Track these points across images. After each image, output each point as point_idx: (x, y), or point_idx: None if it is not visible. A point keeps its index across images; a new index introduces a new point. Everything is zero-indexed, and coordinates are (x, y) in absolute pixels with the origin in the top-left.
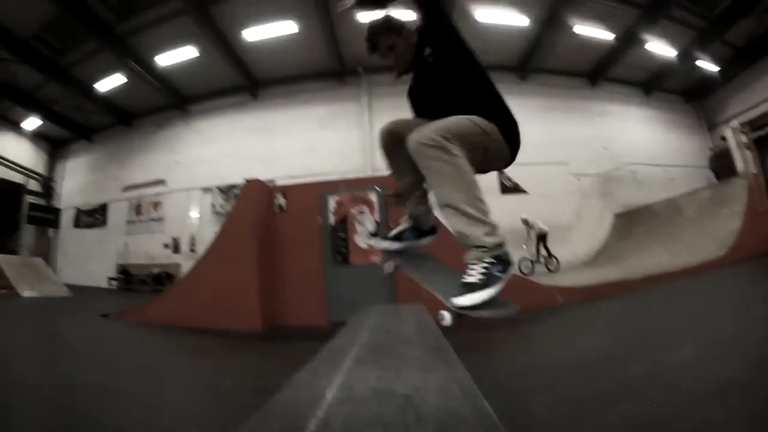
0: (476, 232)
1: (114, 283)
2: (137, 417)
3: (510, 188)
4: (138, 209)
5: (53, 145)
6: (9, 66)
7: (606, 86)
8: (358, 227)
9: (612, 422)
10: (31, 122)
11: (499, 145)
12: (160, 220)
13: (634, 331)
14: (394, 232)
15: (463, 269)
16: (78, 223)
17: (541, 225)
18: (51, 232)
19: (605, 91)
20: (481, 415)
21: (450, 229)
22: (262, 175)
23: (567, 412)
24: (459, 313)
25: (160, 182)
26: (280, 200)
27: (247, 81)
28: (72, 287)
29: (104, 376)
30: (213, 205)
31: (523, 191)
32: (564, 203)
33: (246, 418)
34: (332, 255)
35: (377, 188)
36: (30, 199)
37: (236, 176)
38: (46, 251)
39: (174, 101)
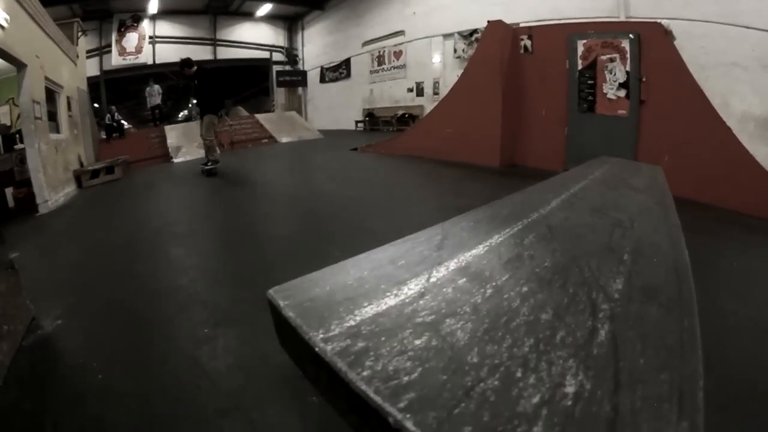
0: (214, 155)
1: (360, 125)
2: (379, 219)
3: None
4: (380, 59)
5: (289, 21)
6: None
7: None
8: (608, 75)
9: None
10: (264, 8)
11: (215, 120)
12: (402, 67)
13: None
14: (214, 158)
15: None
16: (323, 79)
17: None
18: (299, 90)
19: None
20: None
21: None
22: (505, 19)
23: None
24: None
25: (400, 33)
26: (526, 42)
27: None
28: (323, 131)
29: (355, 190)
30: (455, 50)
31: None
32: None
33: None
34: (578, 102)
35: (631, 35)
36: (277, 68)
37: (477, 21)
38: (297, 106)
39: None
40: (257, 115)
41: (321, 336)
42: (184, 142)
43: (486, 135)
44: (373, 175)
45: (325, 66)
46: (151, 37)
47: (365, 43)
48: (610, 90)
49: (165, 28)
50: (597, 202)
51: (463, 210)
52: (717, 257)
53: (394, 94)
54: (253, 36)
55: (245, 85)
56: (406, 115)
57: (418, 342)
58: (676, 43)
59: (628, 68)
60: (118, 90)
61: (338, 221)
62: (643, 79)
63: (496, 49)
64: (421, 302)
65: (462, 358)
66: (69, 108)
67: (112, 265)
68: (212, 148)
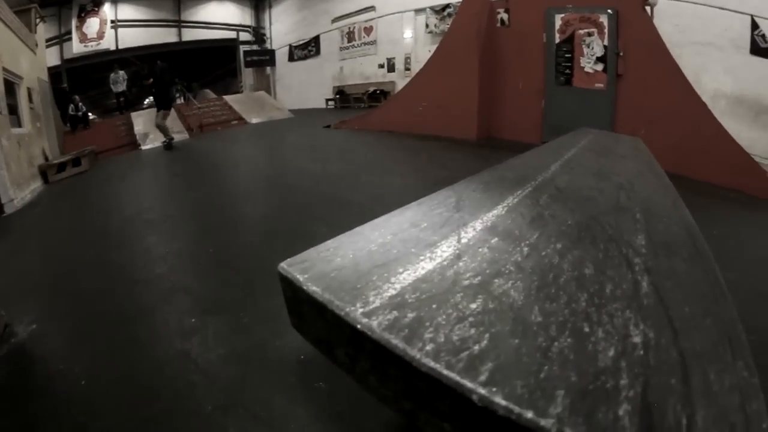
0: (169, 134)
1: (331, 103)
2: (362, 193)
3: (762, 50)
4: (350, 36)
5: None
6: None
7: None
8: (585, 49)
9: None
10: None
11: (167, 113)
12: (373, 43)
13: None
14: (170, 136)
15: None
16: (292, 57)
17: None
18: (268, 69)
19: None
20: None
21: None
22: None
23: None
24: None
25: (370, 9)
26: (503, 15)
27: None
28: (293, 111)
29: (334, 166)
30: (426, 25)
31: None
32: None
33: None
34: (555, 75)
35: (609, 10)
36: (244, 47)
37: None
38: (266, 87)
39: None
40: (226, 97)
41: (361, 310)
42: (151, 128)
43: (463, 108)
44: (351, 151)
45: (294, 44)
46: (113, 22)
47: (335, 20)
48: (588, 63)
49: (127, 11)
50: (594, 167)
51: (448, 181)
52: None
53: (364, 70)
54: (219, 16)
55: (212, 67)
56: (378, 92)
57: (474, 306)
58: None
59: (605, 42)
60: (80, 79)
61: (321, 197)
62: (621, 54)
63: (472, 22)
64: (460, 264)
65: (526, 318)
66: (30, 100)
67: (88, 261)
68: (165, 129)
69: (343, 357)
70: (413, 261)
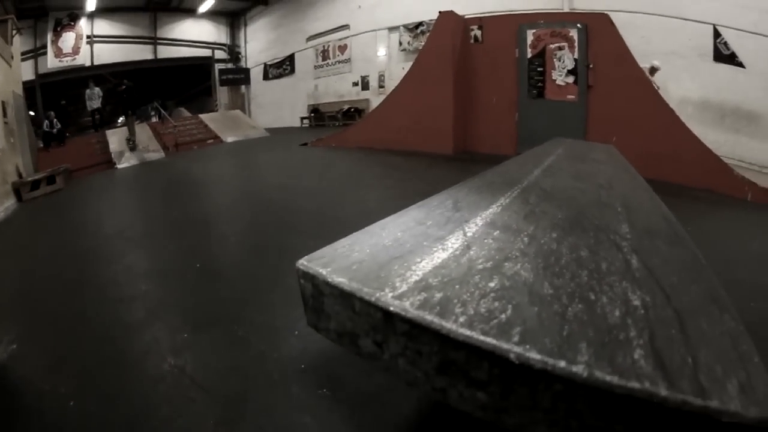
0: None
1: (305, 122)
2: (345, 207)
3: (725, 56)
4: (324, 54)
5: (231, 17)
6: None
7: None
8: (556, 63)
9: None
10: (206, 4)
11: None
12: (347, 61)
13: None
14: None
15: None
16: (267, 76)
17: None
18: (243, 88)
19: None
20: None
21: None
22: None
23: None
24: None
25: (344, 27)
26: (476, 32)
27: None
28: (268, 129)
29: (314, 182)
30: (400, 43)
31: (739, 64)
32: None
33: None
34: (528, 88)
35: (579, 25)
36: (219, 66)
37: (422, 13)
38: (241, 105)
39: None
40: (201, 116)
41: (391, 294)
42: (127, 146)
43: (439, 123)
44: (330, 168)
45: (269, 63)
46: (89, 37)
47: (309, 38)
48: (559, 76)
49: (103, 26)
50: (573, 171)
51: (429, 194)
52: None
53: (339, 88)
54: (195, 33)
55: (187, 85)
56: (352, 110)
57: (492, 284)
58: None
59: (576, 56)
60: (54, 95)
61: (305, 213)
62: (591, 66)
63: (447, 39)
64: (471, 252)
65: (540, 291)
66: (4, 114)
67: (66, 280)
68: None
69: (369, 346)
70: (428, 252)
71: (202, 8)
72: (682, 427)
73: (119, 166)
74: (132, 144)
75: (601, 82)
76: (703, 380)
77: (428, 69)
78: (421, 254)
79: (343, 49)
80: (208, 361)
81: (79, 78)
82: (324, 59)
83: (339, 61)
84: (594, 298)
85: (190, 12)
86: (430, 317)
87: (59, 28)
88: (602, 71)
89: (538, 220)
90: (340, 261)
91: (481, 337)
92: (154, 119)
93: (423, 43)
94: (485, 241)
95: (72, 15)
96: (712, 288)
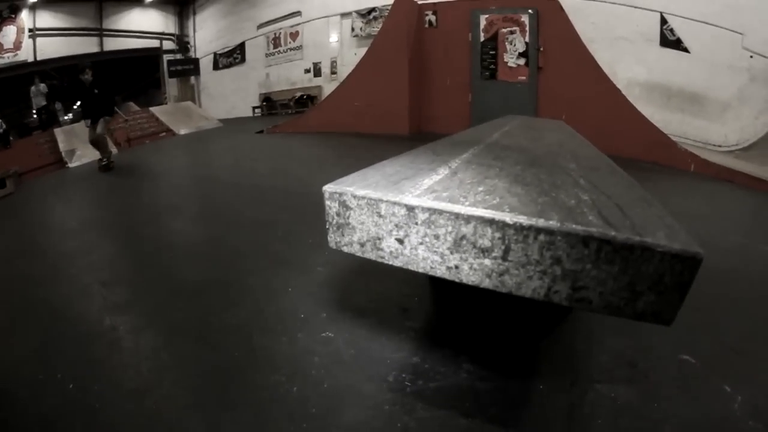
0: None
1: (258, 111)
2: (315, 184)
3: (671, 42)
4: (276, 42)
5: (179, 5)
6: None
7: None
8: (508, 46)
9: None
10: None
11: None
12: (299, 48)
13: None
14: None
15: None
16: (217, 66)
17: None
18: (192, 79)
19: None
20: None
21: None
22: None
23: None
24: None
25: (296, 14)
26: (431, 17)
27: None
28: (221, 120)
29: (281, 163)
30: (352, 29)
31: (684, 49)
32: (727, 78)
33: None
34: (480, 71)
35: (530, 10)
36: (168, 57)
37: (374, 0)
38: (191, 97)
39: None
40: (152, 109)
41: (410, 194)
42: (78, 143)
43: (395, 106)
44: (290, 151)
45: (219, 52)
46: (31, 30)
47: (260, 26)
48: (511, 59)
49: (47, 19)
50: (528, 135)
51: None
52: None
53: (291, 76)
54: (143, 24)
55: (134, 78)
56: (305, 97)
57: (481, 188)
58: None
59: (527, 39)
60: None
61: (278, 192)
62: (541, 49)
63: (402, 23)
64: (459, 175)
65: (516, 191)
66: None
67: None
68: (105, 143)
69: (392, 245)
70: (426, 176)
71: None
72: (629, 264)
73: (71, 165)
74: (107, 163)
75: (551, 64)
76: (639, 230)
77: (384, 53)
78: (422, 177)
79: (294, 36)
80: (207, 321)
81: (20, 76)
82: (275, 47)
83: (290, 49)
84: (555, 195)
85: (137, 1)
86: (444, 204)
87: None
88: (552, 54)
89: (506, 159)
90: (359, 183)
91: (484, 210)
92: None
93: (375, 29)
94: (467, 170)
95: (12, 7)
96: (643, 194)
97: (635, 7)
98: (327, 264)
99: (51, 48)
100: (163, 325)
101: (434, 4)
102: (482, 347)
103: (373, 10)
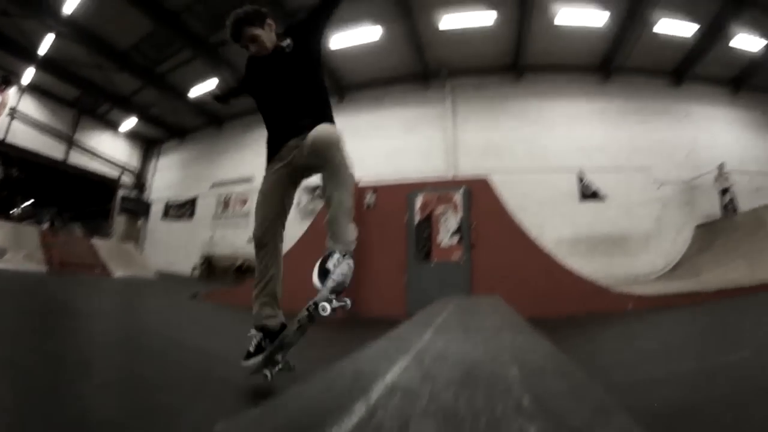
0: (350, 232)
1: (196, 271)
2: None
3: (589, 195)
4: (226, 204)
5: (147, 143)
6: (110, 74)
7: (691, 86)
8: (441, 227)
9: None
10: (129, 123)
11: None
12: (245, 215)
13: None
14: (251, 349)
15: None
16: (167, 214)
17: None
18: (140, 221)
19: (690, 91)
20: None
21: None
22: None
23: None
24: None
25: (248, 180)
26: (370, 199)
27: (333, 85)
28: (159, 272)
29: (201, 340)
30: (298, 204)
31: (602, 199)
32: (644, 211)
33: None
34: (415, 251)
35: (462, 189)
36: (123, 191)
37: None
38: (135, 238)
39: None
40: (94, 240)
41: None
42: (7, 242)
43: None
44: (215, 330)
45: (171, 201)
46: (12, 110)
47: (214, 185)
48: (444, 239)
49: (30, 106)
50: (463, 328)
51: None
52: (567, 342)
53: (235, 241)
54: (109, 148)
55: (87, 201)
56: (244, 267)
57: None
58: (499, 192)
59: (460, 217)
60: None
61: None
62: (474, 225)
63: None
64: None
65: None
66: None
67: None
68: None
69: None
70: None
71: (124, 126)
72: None
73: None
74: None
75: (483, 239)
76: None
77: (320, 234)
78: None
79: (243, 202)
80: None
81: None
82: (225, 209)
83: (237, 215)
84: None
85: (112, 125)
86: None
87: None
88: (483, 229)
89: (436, 380)
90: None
91: None
92: (46, 225)
93: (319, 206)
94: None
95: (5, 78)
96: (601, 401)
97: (555, 172)
98: None
99: (22, 136)
100: None
101: (375, 187)
102: None
103: (318, 187)
